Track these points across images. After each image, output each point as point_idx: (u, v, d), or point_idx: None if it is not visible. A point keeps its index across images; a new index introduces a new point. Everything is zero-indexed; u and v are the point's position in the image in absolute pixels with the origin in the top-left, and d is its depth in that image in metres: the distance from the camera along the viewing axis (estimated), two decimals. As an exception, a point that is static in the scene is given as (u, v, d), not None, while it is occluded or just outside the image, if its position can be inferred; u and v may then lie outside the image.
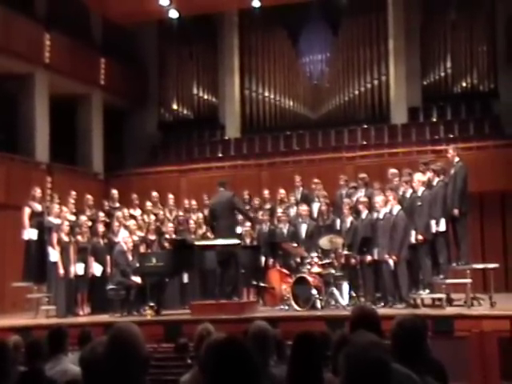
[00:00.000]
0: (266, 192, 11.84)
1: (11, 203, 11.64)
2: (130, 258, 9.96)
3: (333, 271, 9.41)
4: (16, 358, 3.84)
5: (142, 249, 10.44)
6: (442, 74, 15.39)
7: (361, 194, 10.23)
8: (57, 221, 10.36)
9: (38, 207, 10.68)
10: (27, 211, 10.51)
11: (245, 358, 1.90)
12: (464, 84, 15.20)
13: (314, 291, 9.00)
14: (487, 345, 7.54)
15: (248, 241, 10.64)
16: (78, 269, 10.07)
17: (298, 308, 9.02)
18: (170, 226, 10.73)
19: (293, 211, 10.91)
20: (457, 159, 9.24)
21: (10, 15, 12.90)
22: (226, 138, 16.70)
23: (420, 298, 8.72)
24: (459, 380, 5.48)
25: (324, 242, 9.52)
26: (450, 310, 8.35)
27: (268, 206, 11.47)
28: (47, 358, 4.08)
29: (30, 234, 10.47)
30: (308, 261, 9.51)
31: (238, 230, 10.34)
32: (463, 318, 7.85)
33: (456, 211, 8.88)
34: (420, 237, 8.76)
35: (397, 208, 8.92)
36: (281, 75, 16.45)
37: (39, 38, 13.72)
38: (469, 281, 8.53)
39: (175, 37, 16.78)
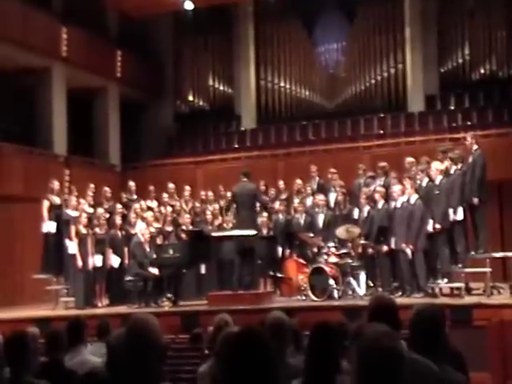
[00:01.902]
0: (282, 182, 11.81)
1: (30, 196, 11.76)
2: (148, 249, 10.01)
3: (350, 261, 9.39)
4: (36, 349, 3.89)
5: (159, 240, 10.49)
6: (460, 61, 15.20)
7: (379, 183, 10.17)
8: (75, 213, 10.44)
9: (57, 200, 10.77)
10: (46, 204, 10.60)
11: (262, 348, 1.90)
12: (482, 71, 14.99)
13: (331, 281, 8.99)
14: (507, 334, 7.47)
15: (265, 231, 10.64)
16: (96, 261, 10.15)
17: (314, 298, 9.01)
18: (186, 218, 10.76)
19: (309, 201, 10.88)
20: (475, 147, 9.13)
21: (28, 10, 13.01)
22: (242, 128, 16.68)
23: (438, 287, 8.66)
24: (478, 369, 5.44)
25: (341, 231, 9.49)
26: (468, 299, 8.28)
27: (284, 197, 11.46)
28: (67, 348, 4.12)
29: (49, 226, 10.57)
30: (325, 251, 9.50)
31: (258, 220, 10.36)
32: (482, 307, 7.79)
33: (475, 200, 8.79)
34: (438, 226, 8.70)
35: (414, 197, 8.86)
36: (296, 65, 16.38)
37: (56, 32, 13.82)
38: (488, 270, 8.46)
39: (190, 28, 16.76)
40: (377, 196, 9.57)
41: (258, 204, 10.93)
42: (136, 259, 9.91)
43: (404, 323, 2.79)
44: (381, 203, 9.48)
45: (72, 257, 10.08)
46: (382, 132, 15.08)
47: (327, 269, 9.09)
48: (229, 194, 10.89)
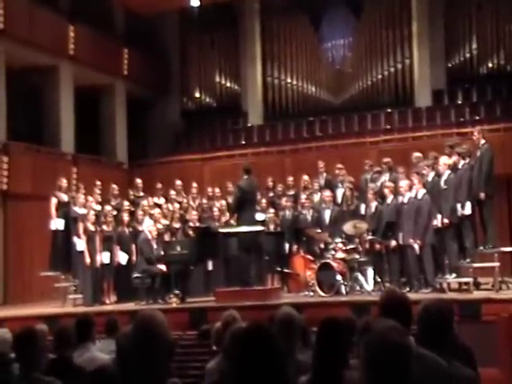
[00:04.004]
0: (290, 178, 11.79)
1: (38, 194, 11.81)
2: (155, 246, 10.03)
3: (357, 256, 9.37)
4: (45, 346, 3.90)
5: (167, 237, 10.51)
6: (468, 56, 15.11)
7: (385, 179, 10.15)
8: (82, 211, 10.48)
9: (64, 197, 10.82)
10: (54, 201, 10.65)
11: (270, 344, 1.89)
12: (490, 65, 14.89)
13: (339, 277, 8.98)
14: (516, 329, 7.44)
15: (272, 227, 10.64)
16: (103, 258, 10.17)
17: (322, 294, 9.00)
18: (193, 214, 10.77)
19: (316, 197, 10.86)
20: (482, 141, 9.09)
21: (35, 8, 13.06)
22: (249, 125, 16.68)
23: (446, 282, 8.64)
24: (487, 365, 5.42)
25: (348, 227, 9.47)
26: (477, 294, 8.25)
27: (291, 193, 11.44)
28: (75, 345, 4.13)
29: (57, 224, 10.62)
30: (332, 246, 9.49)
31: (260, 216, 10.36)
32: (491, 302, 7.75)
33: (482, 194, 8.75)
34: (446, 220, 8.66)
35: (421, 192, 8.83)
36: (303, 61, 16.34)
37: (63, 30, 13.88)
38: (497, 264, 8.42)
39: (196, 25, 16.77)
40: (386, 191, 9.53)
41: (264, 200, 10.96)
42: (143, 256, 9.93)
43: (413, 319, 2.78)
44: (390, 198, 9.44)
45: (80, 254, 10.12)
46: (389, 127, 15.04)
47: (334, 264, 9.08)
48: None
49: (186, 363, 5.97)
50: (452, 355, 2.58)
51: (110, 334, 4.89)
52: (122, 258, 10.42)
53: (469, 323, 6.94)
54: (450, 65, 15.36)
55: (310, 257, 9.99)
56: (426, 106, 15.29)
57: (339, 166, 11.20)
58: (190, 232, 10.46)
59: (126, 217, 10.67)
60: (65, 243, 10.61)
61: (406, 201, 9.04)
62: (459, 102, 15.28)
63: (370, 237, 9.55)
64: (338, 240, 9.51)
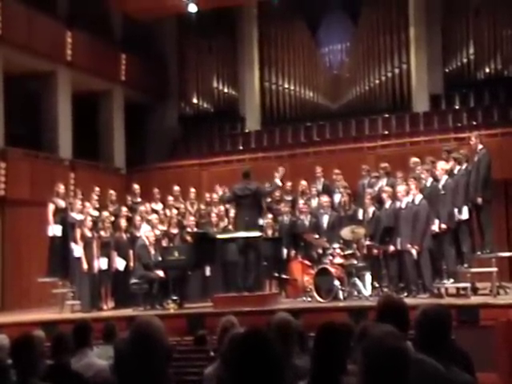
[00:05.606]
0: (288, 184, 11.77)
1: (36, 199, 11.80)
2: (153, 251, 10.02)
3: (355, 262, 9.37)
4: (42, 352, 3.89)
5: (164, 243, 10.50)
6: (465, 61, 15.15)
7: (382, 184, 10.17)
8: (80, 216, 10.47)
9: (62, 203, 10.80)
10: (51, 207, 10.64)
11: (268, 349, 1.90)
12: (487, 70, 14.94)
13: (337, 282, 8.98)
14: (514, 334, 7.44)
15: (270, 233, 10.63)
16: (101, 264, 10.15)
17: (320, 299, 8.99)
18: (191, 220, 10.77)
19: (314, 202, 10.87)
20: (480, 146, 9.10)
21: (33, 14, 13.10)
22: (247, 130, 16.70)
23: (444, 287, 8.64)
24: (485, 369, 5.40)
25: (346, 232, 9.48)
26: (474, 299, 8.25)
27: (289, 198, 11.44)
28: (73, 351, 4.12)
29: (55, 230, 10.60)
30: (330, 252, 9.48)
31: (260, 221, 10.33)
32: (489, 307, 7.76)
33: (479, 199, 8.76)
34: (443, 225, 8.67)
35: (419, 197, 8.84)
36: (300, 66, 16.39)
37: (61, 36, 13.91)
38: (494, 269, 8.43)
39: (194, 31, 16.81)
40: (384, 196, 9.54)
41: (263, 205, 10.91)
42: (141, 262, 9.92)
43: (410, 324, 2.78)
44: (388, 203, 9.45)
45: (77, 260, 10.10)
46: (386, 132, 15.06)
47: (332, 270, 9.08)
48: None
49: (184, 369, 5.95)
50: (450, 360, 2.58)
51: (107, 339, 4.87)
52: (120, 263, 10.40)
53: (467, 328, 6.94)
54: (447, 70, 15.41)
55: (307, 262, 9.98)
56: (423, 111, 15.33)
57: (336, 171, 11.21)
58: (188, 237, 10.46)
59: (123, 222, 10.66)
60: (62, 249, 10.59)
61: (403, 206, 9.05)
62: (457, 107, 15.33)
63: (367, 242, 9.55)
64: (336, 245, 9.51)
